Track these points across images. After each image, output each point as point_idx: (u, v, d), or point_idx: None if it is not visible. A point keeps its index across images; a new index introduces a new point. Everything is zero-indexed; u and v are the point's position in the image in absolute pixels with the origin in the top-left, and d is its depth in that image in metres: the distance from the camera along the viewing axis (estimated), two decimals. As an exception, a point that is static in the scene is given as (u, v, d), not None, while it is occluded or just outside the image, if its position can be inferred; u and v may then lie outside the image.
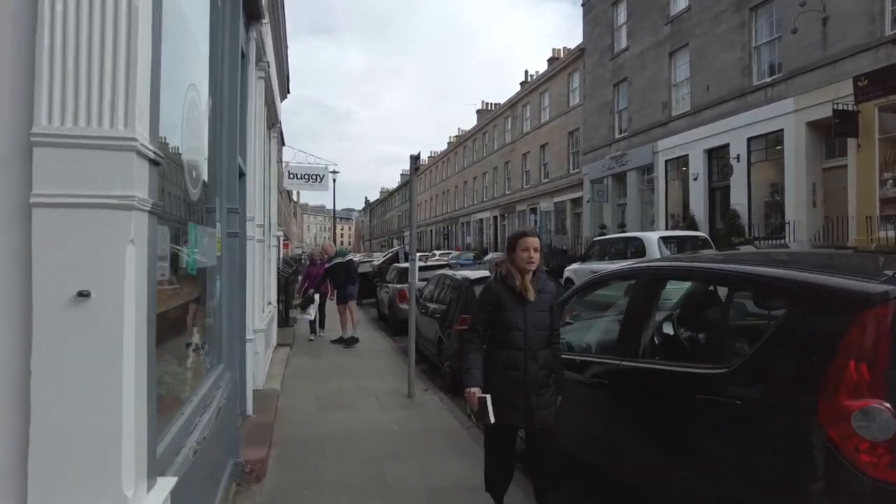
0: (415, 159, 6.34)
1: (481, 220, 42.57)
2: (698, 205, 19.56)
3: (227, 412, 3.59)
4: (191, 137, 2.78)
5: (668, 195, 21.48)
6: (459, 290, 7.07)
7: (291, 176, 9.30)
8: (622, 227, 23.40)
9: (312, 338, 10.31)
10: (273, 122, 8.89)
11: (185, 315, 2.95)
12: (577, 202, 28.57)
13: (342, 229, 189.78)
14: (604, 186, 25.31)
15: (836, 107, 13.84)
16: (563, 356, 3.52)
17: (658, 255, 12.01)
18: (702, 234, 13.38)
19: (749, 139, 17.47)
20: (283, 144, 14.07)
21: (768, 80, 16.82)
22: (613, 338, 3.65)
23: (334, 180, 28.15)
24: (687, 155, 20.21)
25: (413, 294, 6.65)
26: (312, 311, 9.87)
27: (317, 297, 10.17)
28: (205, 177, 3.21)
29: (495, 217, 39.72)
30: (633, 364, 3.20)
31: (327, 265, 10.10)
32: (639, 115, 23.07)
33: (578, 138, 28.50)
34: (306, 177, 9.46)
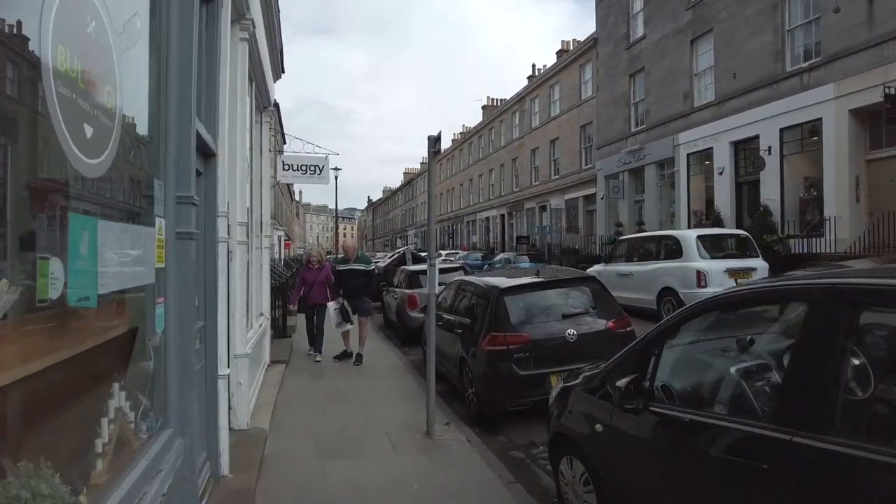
0: (434, 141, 5.13)
1: (487, 218, 41.35)
2: (724, 201, 18.30)
3: (177, 495, 2.39)
4: (78, 53, 1.58)
5: (690, 191, 20.22)
6: (486, 301, 5.86)
7: (286, 167, 8.04)
8: (640, 224, 22.15)
9: (319, 359, 8.55)
10: (264, 104, 7.69)
11: (76, 372, 1.74)
12: (589, 199, 27.32)
13: (344, 229, 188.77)
14: (619, 182, 24.07)
15: (887, 90, 12.57)
16: (656, 409, 2.35)
17: (697, 256, 10.78)
18: (742, 231, 12.15)
19: (782, 130, 16.21)
20: (281, 133, 12.86)
21: (804, 65, 15.55)
22: (761, 388, 2.41)
23: (336, 177, 27.02)
24: (711, 148, 18.95)
25: (433, 309, 5.43)
26: (346, 325, 8.43)
27: (334, 306, 8.35)
28: (128, 139, 1.99)
29: (502, 215, 38.49)
30: (817, 444, 1.96)
31: (340, 268, 8.62)
32: (657, 106, 21.81)
33: (591, 132, 27.25)
34: (303, 168, 8.20)
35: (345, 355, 8.64)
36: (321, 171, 8.28)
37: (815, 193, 15.62)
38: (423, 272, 10.81)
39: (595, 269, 14.30)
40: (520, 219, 35.63)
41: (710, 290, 10.43)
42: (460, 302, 6.89)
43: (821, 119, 14.97)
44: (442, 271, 10.94)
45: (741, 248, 11.27)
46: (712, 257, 10.85)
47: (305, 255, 8.37)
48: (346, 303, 8.38)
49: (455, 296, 7.11)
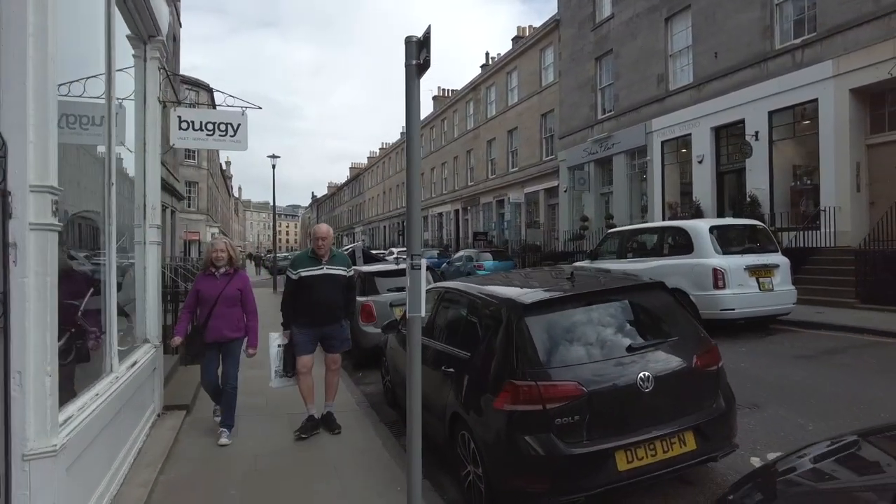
0: (418, 47, 2.86)
1: (441, 214, 39.18)
2: (704, 191, 16.82)
3: None
4: None
5: (664, 181, 18.70)
6: (496, 324, 3.66)
7: (184, 125, 5.52)
8: (609, 218, 20.53)
9: (226, 441, 4.86)
10: (150, 32, 5.18)
11: None
12: (552, 192, 25.59)
13: (287, 226, 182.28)
14: (585, 173, 22.40)
15: (903, 64, 11.19)
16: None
17: (711, 250, 8.95)
18: (758, 222, 10.49)
19: (770, 113, 14.79)
20: (178, 78, 10.13)
21: (797, 41, 14.15)
22: None
23: (274, 165, 24.09)
24: (689, 134, 17.45)
25: (416, 349, 3.20)
26: (288, 380, 5.23)
27: (279, 341, 5.28)
28: None
29: (457, 210, 36.42)
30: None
31: (305, 272, 5.09)
32: (628, 91, 20.21)
33: (553, 121, 25.52)
34: (210, 127, 5.68)
35: (311, 426, 5.09)
36: (236, 130, 5.76)
37: (810, 182, 14.27)
38: (382, 274, 8.49)
39: (578, 266, 12.36)
40: (476, 214, 33.64)
41: (729, 292, 8.62)
42: (447, 321, 4.64)
43: (816, 100, 13.59)
44: (403, 272, 8.67)
45: (757, 241, 9.53)
46: (728, 252, 9.05)
47: (206, 252, 5.22)
48: (308, 334, 5.11)
49: (437, 311, 4.85)
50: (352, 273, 5.52)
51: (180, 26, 22.05)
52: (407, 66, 2.91)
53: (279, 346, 5.24)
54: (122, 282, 4.79)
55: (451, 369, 3.95)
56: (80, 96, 4.24)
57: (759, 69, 15.07)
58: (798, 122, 14.42)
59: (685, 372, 3.45)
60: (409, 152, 3.09)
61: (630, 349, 3.41)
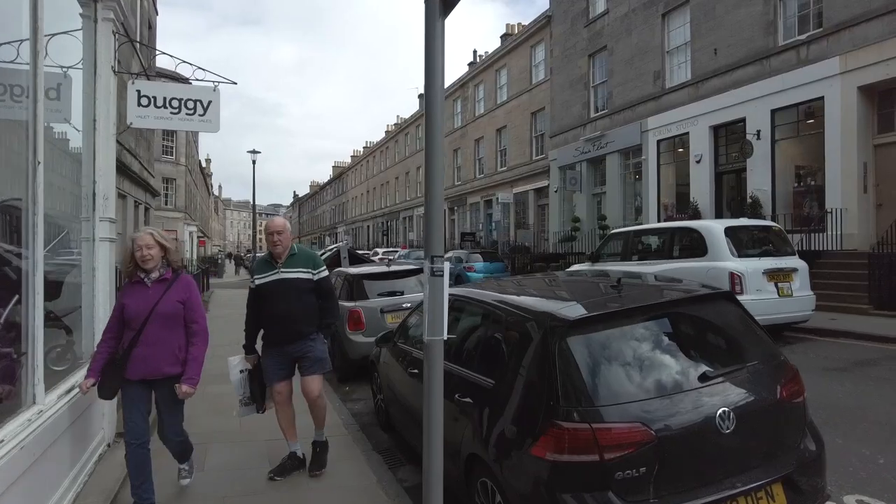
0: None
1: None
2: (702, 192, 16.29)
3: None
4: None
5: (660, 181, 18.16)
6: (526, 342, 2.92)
7: (144, 100, 4.62)
8: (602, 219, 19.95)
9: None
10: (102, -12, 4.34)
11: None
12: (541, 192, 24.97)
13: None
14: (576, 173, 21.80)
15: (919, 60, 10.71)
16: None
17: (727, 253, 8.32)
18: (773, 223, 9.93)
19: (773, 111, 14.29)
20: (151, 54, 9.11)
21: (802, 37, 13.65)
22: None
23: (254, 161, 23.05)
24: (687, 133, 16.92)
25: (437, 378, 2.43)
26: (241, 389, 4.27)
27: (240, 367, 4.27)
28: None
29: (443, 210, 35.59)
30: None
31: (259, 280, 4.20)
32: (622, 88, 19.65)
33: (544, 120, 24.90)
34: (175, 104, 4.77)
35: (291, 466, 4.22)
36: (206, 108, 4.88)
37: (814, 183, 13.79)
38: (373, 277, 7.71)
39: (576, 269, 11.68)
40: (462, 214, 32.92)
41: (747, 298, 7.97)
42: (460, 337, 3.87)
43: (822, 98, 13.11)
44: (396, 274, 7.91)
45: (773, 244, 8.93)
46: (744, 255, 8.43)
47: (125, 252, 3.60)
48: (275, 357, 4.13)
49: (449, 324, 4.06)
50: (322, 275, 4.28)
51: (157, 13, 20.97)
52: (427, 1, 2.15)
53: (241, 371, 4.26)
54: (60, 282, 3.94)
55: (468, 399, 3.19)
56: (11, 62, 3.42)
57: (762, 66, 14.56)
58: (802, 120, 13.93)
59: (770, 406, 2.73)
60: (430, 122, 2.32)
61: (703, 378, 2.67)
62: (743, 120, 15.05)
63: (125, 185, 14.02)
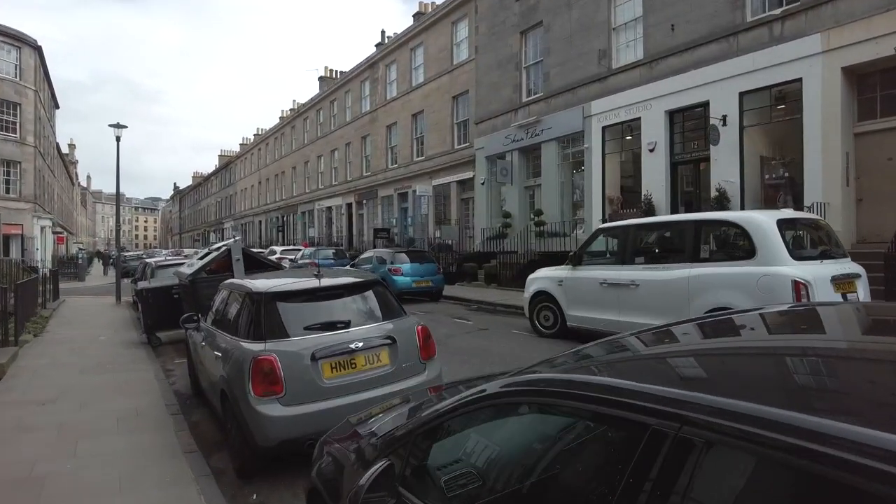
0: None
1: (330, 208, 34.68)
2: (656, 184, 14.59)
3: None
4: None
5: (605, 173, 16.31)
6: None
7: None
8: (539, 214, 17.85)
9: None
10: None
11: None
12: (465, 184, 22.54)
13: (145, 221, 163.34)
14: (507, 163, 19.56)
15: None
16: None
17: (785, 255, 6.18)
18: (819, 218, 8.05)
19: (742, 94, 12.77)
20: None
21: (777, 12, 12.19)
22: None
23: (118, 137, 18.29)
24: (638, 119, 15.16)
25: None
26: None
27: None
28: None
29: (349, 204, 32.21)
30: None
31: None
32: (561, 69, 17.64)
33: (467, 104, 22.47)
34: None
35: None
36: None
37: (787, 175, 12.41)
38: (294, 296, 4.64)
39: (546, 276, 9.20)
40: (373, 208, 29.74)
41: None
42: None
43: (800, 80, 11.70)
44: (333, 291, 4.88)
45: (827, 243, 6.95)
46: (801, 257, 6.34)
47: None
48: None
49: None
50: None
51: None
52: None
53: None
54: None
55: None
56: None
57: (728, 44, 13.01)
58: (775, 105, 12.52)
59: None
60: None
61: None
62: (705, 104, 13.46)
63: None
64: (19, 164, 34.02)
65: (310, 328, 4.33)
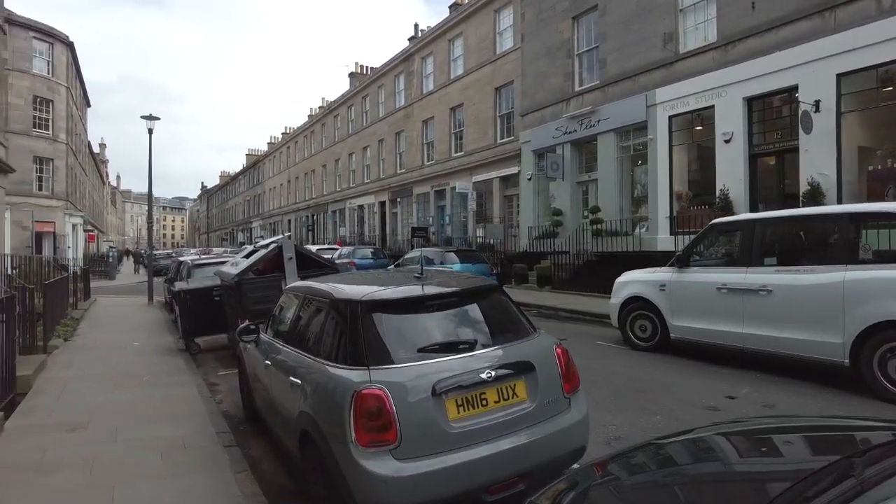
0: None
1: (362, 206, 33.75)
2: (733, 178, 13.21)
3: None
4: None
5: (672, 166, 14.97)
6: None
7: None
8: (594, 211, 16.56)
9: None
10: None
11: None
12: (509, 180, 21.34)
13: (172, 220, 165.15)
14: (558, 157, 18.30)
15: None
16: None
17: None
18: None
19: (840, 76, 11.36)
20: None
21: (885, -21, 10.76)
22: None
23: (151, 130, 17.48)
24: (711, 107, 13.81)
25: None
26: None
27: None
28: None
29: (382, 203, 31.23)
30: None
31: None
32: (619, 55, 16.34)
33: (511, 96, 21.27)
34: None
35: None
36: None
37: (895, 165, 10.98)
38: (396, 306, 3.50)
39: (642, 279, 7.98)
40: (407, 207, 28.71)
41: None
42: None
43: (915, 57, 10.27)
44: (442, 301, 3.74)
45: None
46: None
47: None
48: None
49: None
50: None
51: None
52: None
53: None
54: None
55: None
56: None
57: (822, 20, 11.61)
58: (880, 87, 11.09)
59: None
60: None
61: None
62: (793, 89, 12.07)
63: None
64: (52, 161, 33.79)
65: (424, 350, 3.20)
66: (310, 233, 40.77)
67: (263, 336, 4.81)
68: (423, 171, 26.89)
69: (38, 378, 6.91)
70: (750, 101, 13.12)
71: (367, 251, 20.84)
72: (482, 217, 22.47)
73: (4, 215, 18.47)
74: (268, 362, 4.31)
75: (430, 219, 26.10)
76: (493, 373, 3.17)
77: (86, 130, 49.29)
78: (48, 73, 32.13)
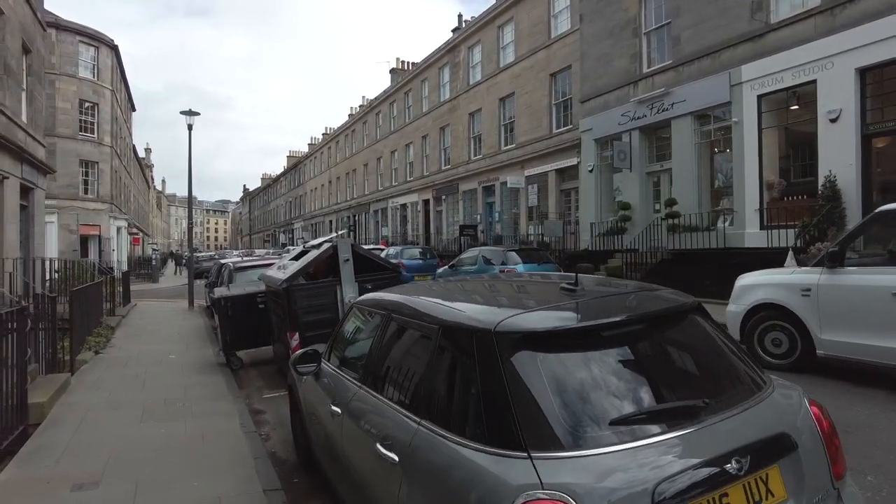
0: None
1: (405, 205, 32.65)
2: (842, 163, 11.40)
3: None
4: None
5: (762, 152, 13.20)
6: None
7: None
8: (670, 204, 14.89)
9: None
10: None
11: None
12: (566, 173, 19.80)
13: (216, 223, 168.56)
14: (625, 146, 16.68)
15: None
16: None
17: None
18: None
19: None
20: None
21: None
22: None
23: (190, 126, 16.71)
24: (812, 82, 12.01)
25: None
26: None
27: None
28: None
29: (425, 201, 30.05)
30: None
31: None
32: (697, 30, 14.63)
33: (568, 81, 19.72)
34: None
35: None
36: None
37: None
38: (566, 339, 2.06)
39: (775, 281, 6.43)
40: (453, 204, 27.43)
41: None
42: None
43: None
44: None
45: None
46: None
47: None
48: None
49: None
50: None
51: None
52: None
53: None
54: None
55: None
56: None
57: (961, -29, 9.75)
58: None
59: None
60: None
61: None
62: (921, 55, 10.23)
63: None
64: (97, 164, 33.88)
65: (620, 422, 1.86)
66: (351, 233, 39.99)
67: (325, 365, 3.56)
68: (469, 166, 25.56)
69: (56, 403, 5.87)
70: (863, 73, 11.29)
71: (416, 251, 19.62)
72: (537, 213, 20.97)
73: (46, 218, 18.01)
74: (336, 409, 3.04)
75: (478, 216, 24.74)
76: (744, 460, 1.80)
77: (130, 134, 49.85)
78: (93, 77, 32.18)
